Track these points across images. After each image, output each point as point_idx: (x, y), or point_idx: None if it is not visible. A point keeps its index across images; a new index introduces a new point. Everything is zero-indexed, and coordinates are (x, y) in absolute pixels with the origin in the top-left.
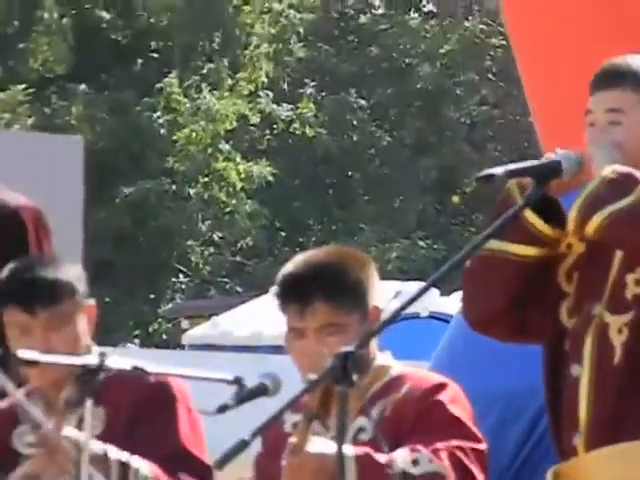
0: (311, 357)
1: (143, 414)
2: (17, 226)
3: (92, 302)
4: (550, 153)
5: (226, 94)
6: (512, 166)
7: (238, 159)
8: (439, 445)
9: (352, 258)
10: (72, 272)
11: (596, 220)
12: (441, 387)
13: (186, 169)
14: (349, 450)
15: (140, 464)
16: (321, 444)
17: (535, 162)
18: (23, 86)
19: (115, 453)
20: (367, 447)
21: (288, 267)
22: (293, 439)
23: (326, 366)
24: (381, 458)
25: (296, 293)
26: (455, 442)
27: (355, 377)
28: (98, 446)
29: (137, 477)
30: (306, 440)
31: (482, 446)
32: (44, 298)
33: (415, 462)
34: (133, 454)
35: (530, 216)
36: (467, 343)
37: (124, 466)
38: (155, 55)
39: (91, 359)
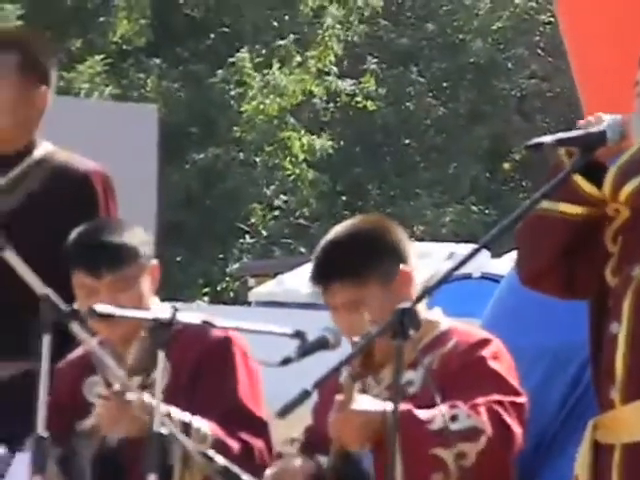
0: (344, 330)
1: (205, 369)
2: (87, 189)
3: (155, 263)
4: (591, 117)
5: (295, 70)
6: (560, 135)
7: (302, 132)
8: (478, 400)
9: (371, 231)
10: (136, 236)
11: (627, 188)
12: (484, 343)
13: (253, 138)
14: (390, 405)
15: (200, 423)
16: (366, 401)
17: (582, 132)
18: (101, 56)
19: (178, 413)
20: (410, 403)
21: (319, 245)
22: (338, 397)
23: (370, 328)
24: (421, 415)
25: (317, 278)
26: (495, 396)
27: (411, 332)
28: (163, 407)
29: (198, 435)
30: (351, 398)
31: (521, 399)
32: (109, 262)
33: (454, 418)
34: (194, 408)
35: (578, 178)
36: (516, 301)
37: (186, 425)
38: (227, 30)
39: (163, 313)
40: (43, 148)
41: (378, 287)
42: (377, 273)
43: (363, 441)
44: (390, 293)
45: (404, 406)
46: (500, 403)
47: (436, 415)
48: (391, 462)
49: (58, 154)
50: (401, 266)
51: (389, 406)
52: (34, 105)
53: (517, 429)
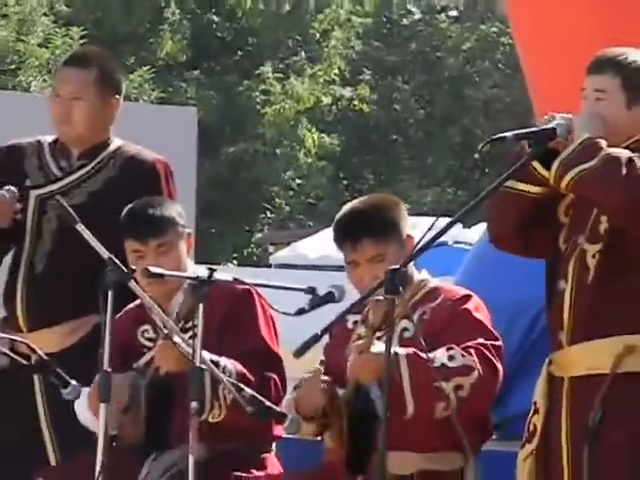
0: (364, 281)
1: (232, 316)
2: (153, 175)
3: (190, 231)
4: (547, 116)
5: (307, 81)
6: (518, 131)
7: (313, 130)
8: (469, 343)
9: (386, 203)
10: (174, 210)
11: (567, 177)
12: (467, 298)
13: (273, 135)
14: (401, 350)
15: (227, 362)
16: (380, 347)
17: (536, 128)
18: (147, 67)
19: (208, 354)
20: (411, 346)
21: (340, 214)
22: (359, 343)
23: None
24: (425, 356)
25: (347, 234)
26: (480, 340)
27: (401, 288)
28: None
29: (225, 371)
30: (370, 344)
31: (499, 343)
32: (153, 230)
33: (451, 358)
34: (223, 347)
35: (535, 164)
36: (483, 264)
37: (215, 363)
38: (251, 49)
39: (202, 272)
40: (115, 143)
41: (396, 246)
42: (396, 234)
43: (375, 377)
44: (402, 252)
45: (410, 349)
46: (485, 346)
47: (436, 355)
48: (399, 395)
49: (128, 147)
50: (408, 232)
51: (400, 350)
52: (110, 110)
53: (499, 366)
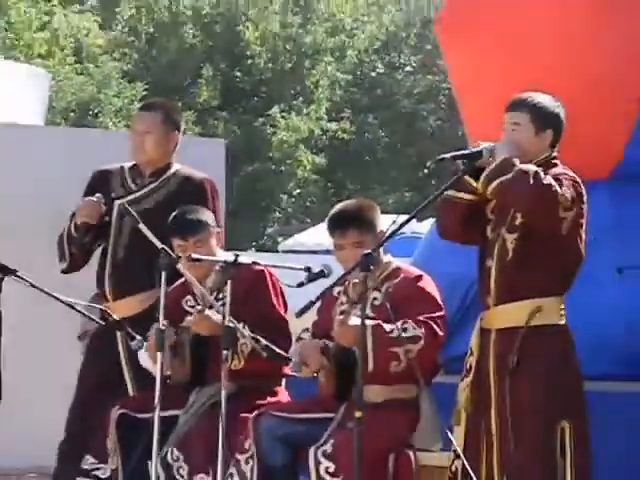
0: (348, 260)
1: (252, 290)
2: (202, 191)
3: (220, 230)
4: (476, 143)
5: (304, 117)
6: (454, 153)
7: (308, 153)
8: (420, 318)
9: (367, 204)
10: (206, 215)
11: (491, 187)
12: (420, 277)
13: (280, 157)
14: (369, 322)
15: (242, 329)
16: (356, 320)
17: (467, 151)
18: (191, 111)
19: (230, 319)
20: (379, 312)
21: (332, 211)
22: (340, 317)
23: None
24: (386, 327)
25: (338, 224)
26: (429, 314)
27: (372, 267)
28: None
29: (242, 332)
30: (349, 317)
31: (443, 313)
32: (190, 231)
33: (405, 329)
34: (246, 313)
35: (467, 178)
36: (432, 249)
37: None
38: (264, 95)
39: (229, 257)
40: (175, 166)
41: (372, 237)
42: (372, 228)
43: (353, 343)
44: (376, 242)
45: (376, 322)
46: (432, 318)
47: (394, 327)
48: (365, 355)
49: (184, 169)
50: (381, 227)
51: (368, 322)
52: (171, 142)
53: (441, 333)
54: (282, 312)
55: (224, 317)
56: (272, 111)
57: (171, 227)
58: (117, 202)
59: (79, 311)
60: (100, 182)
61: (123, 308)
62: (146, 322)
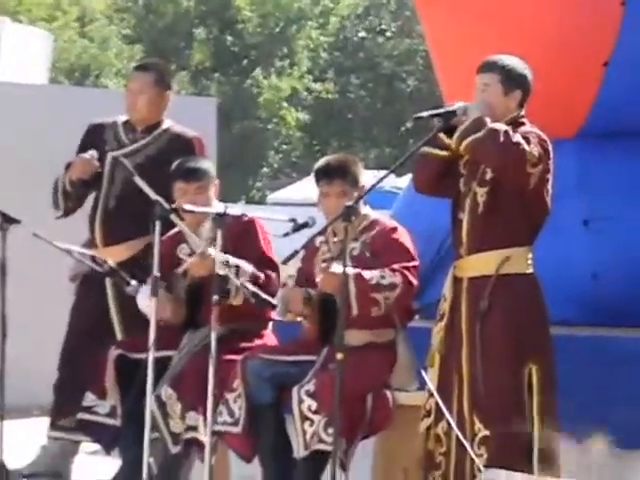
0: (332, 209)
1: (241, 237)
2: (191, 147)
3: (217, 181)
4: (451, 103)
5: (285, 77)
6: (431, 111)
7: (292, 110)
8: (395, 266)
9: (351, 159)
10: (207, 164)
11: (464, 144)
12: (395, 228)
13: (266, 115)
14: (350, 270)
15: (245, 264)
16: (337, 268)
17: (442, 110)
18: (185, 71)
19: (234, 259)
20: (358, 260)
21: (320, 162)
22: (323, 265)
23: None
24: (366, 275)
25: (325, 174)
26: (404, 264)
27: (353, 219)
28: (222, 256)
29: (244, 270)
30: (331, 265)
31: (416, 263)
32: (194, 175)
33: (382, 277)
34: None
35: (441, 135)
36: (409, 203)
37: (237, 265)
38: (253, 58)
39: (220, 208)
40: (166, 124)
41: (355, 190)
42: (356, 180)
43: (336, 290)
44: (355, 194)
45: (356, 270)
46: (407, 268)
47: (373, 275)
48: (348, 301)
49: (175, 127)
50: (362, 182)
51: (349, 270)
52: (163, 101)
53: (415, 282)
54: (272, 256)
55: (214, 264)
56: (254, 73)
57: (176, 171)
58: (110, 154)
59: (76, 258)
60: (94, 135)
61: (112, 254)
62: (134, 268)
